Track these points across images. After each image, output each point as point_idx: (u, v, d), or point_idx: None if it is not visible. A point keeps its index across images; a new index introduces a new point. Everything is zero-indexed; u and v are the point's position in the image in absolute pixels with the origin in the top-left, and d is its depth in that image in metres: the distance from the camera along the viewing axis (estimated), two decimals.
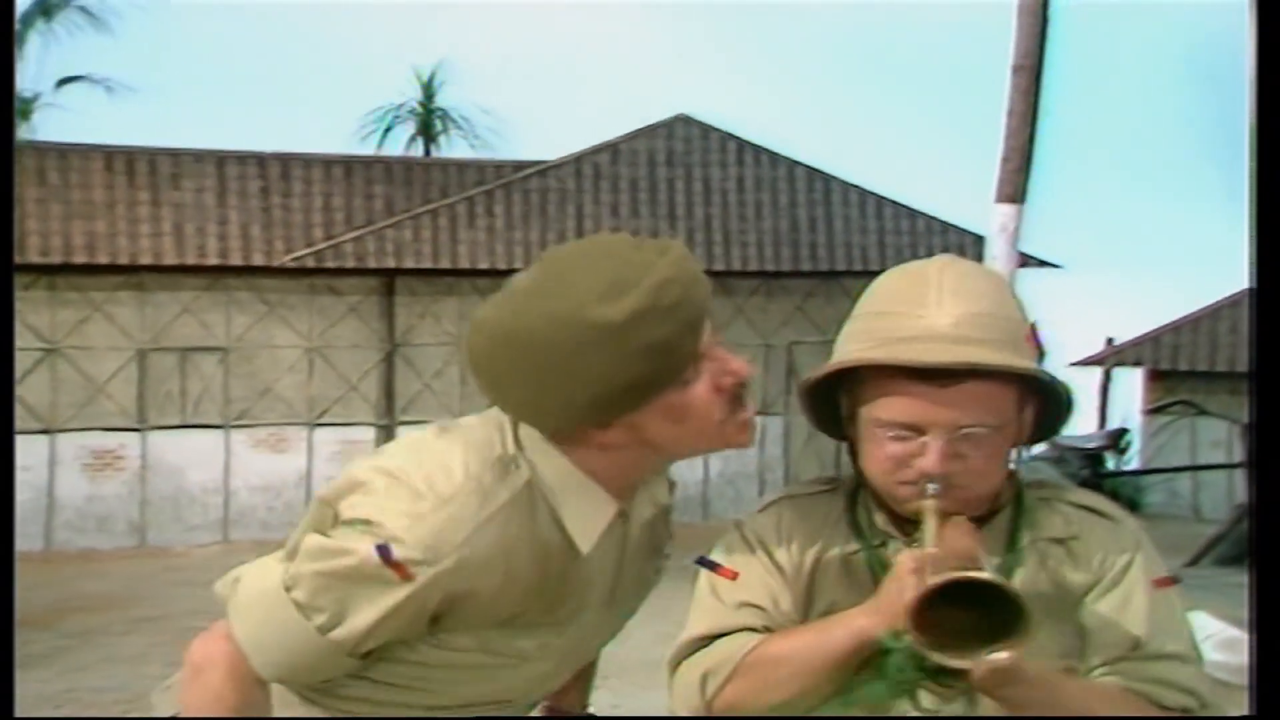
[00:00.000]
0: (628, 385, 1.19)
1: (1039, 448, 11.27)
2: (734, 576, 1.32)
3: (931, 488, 1.24)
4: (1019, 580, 1.27)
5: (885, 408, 1.25)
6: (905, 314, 1.26)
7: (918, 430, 1.24)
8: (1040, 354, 1.29)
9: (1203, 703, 1.29)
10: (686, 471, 12.24)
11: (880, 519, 1.33)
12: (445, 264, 11.46)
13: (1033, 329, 1.28)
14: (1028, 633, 1.14)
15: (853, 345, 1.29)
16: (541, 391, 1.20)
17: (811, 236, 12.52)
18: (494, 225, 11.61)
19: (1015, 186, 6.38)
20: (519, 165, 12.38)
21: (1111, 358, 14.33)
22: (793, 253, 12.40)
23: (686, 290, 1.21)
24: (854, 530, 1.33)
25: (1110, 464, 12.63)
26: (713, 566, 1.34)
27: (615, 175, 12.19)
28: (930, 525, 1.23)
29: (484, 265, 11.48)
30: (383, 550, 1.18)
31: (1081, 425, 13.48)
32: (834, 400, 1.33)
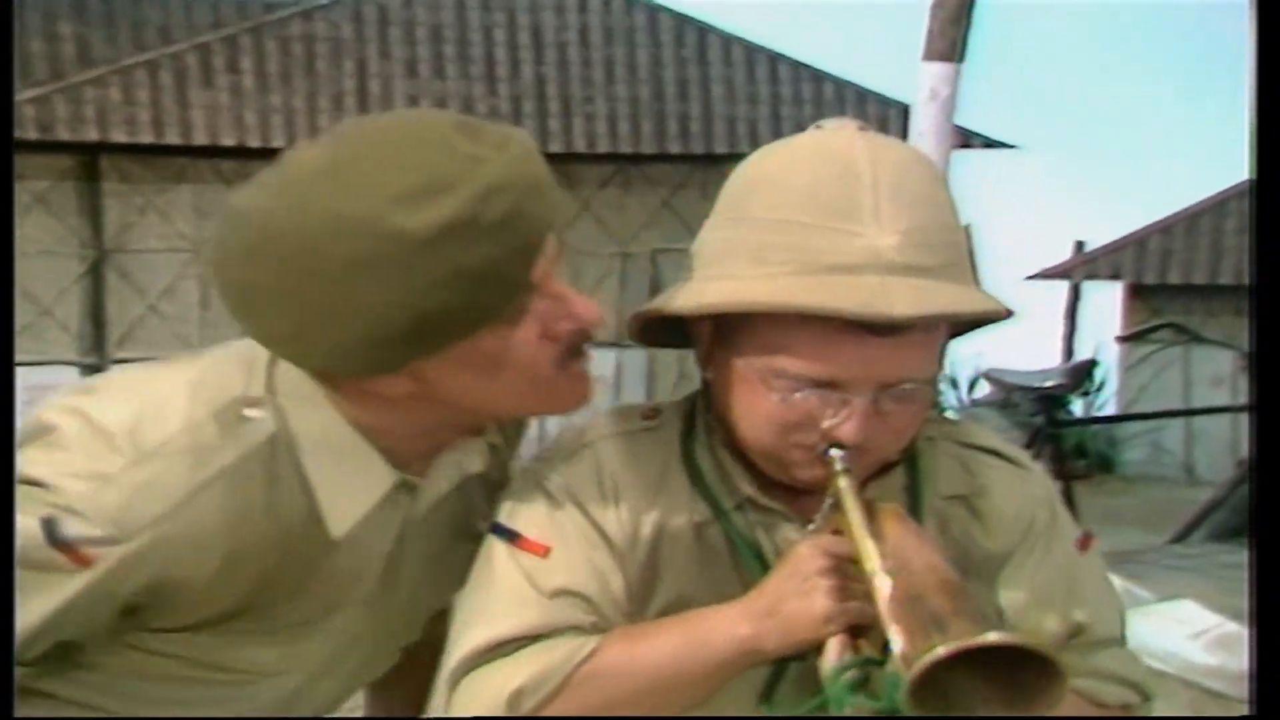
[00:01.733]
0: (426, 321, 1.19)
1: (983, 390, 11.65)
2: (545, 552, 1.31)
3: (839, 456, 1.25)
4: None
5: (797, 357, 1.24)
6: (831, 227, 1.23)
7: (836, 387, 1.24)
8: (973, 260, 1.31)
9: (1145, 695, 1.37)
10: None
11: (737, 476, 1.33)
12: (173, 139, 11.20)
13: (968, 234, 1.31)
14: (1059, 697, 1.12)
15: (751, 264, 1.25)
16: (308, 318, 1.19)
17: (681, 107, 12.55)
18: (240, 85, 11.33)
19: (950, 40, 6.41)
20: (271, 3, 12.08)
21: (1081, 268, 14.76)
22: (656, 129, 12.40)
23: (522, 202, 1.21)
24: (701, 490, 1.33)
25: (1075, 408, 13.09)
26: (513, 537, 1.32)
27: (409, 21, 11.99)
28: (852, 507, 1.23)
29: (228, 141, 11.27)
30: (48, 526, 1.15)
31: (1037, 356, 13.93)
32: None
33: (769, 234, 1.26)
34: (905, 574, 1.19)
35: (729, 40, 12.71)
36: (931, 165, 1.32)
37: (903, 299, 1.21)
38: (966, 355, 12.73)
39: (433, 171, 1.20)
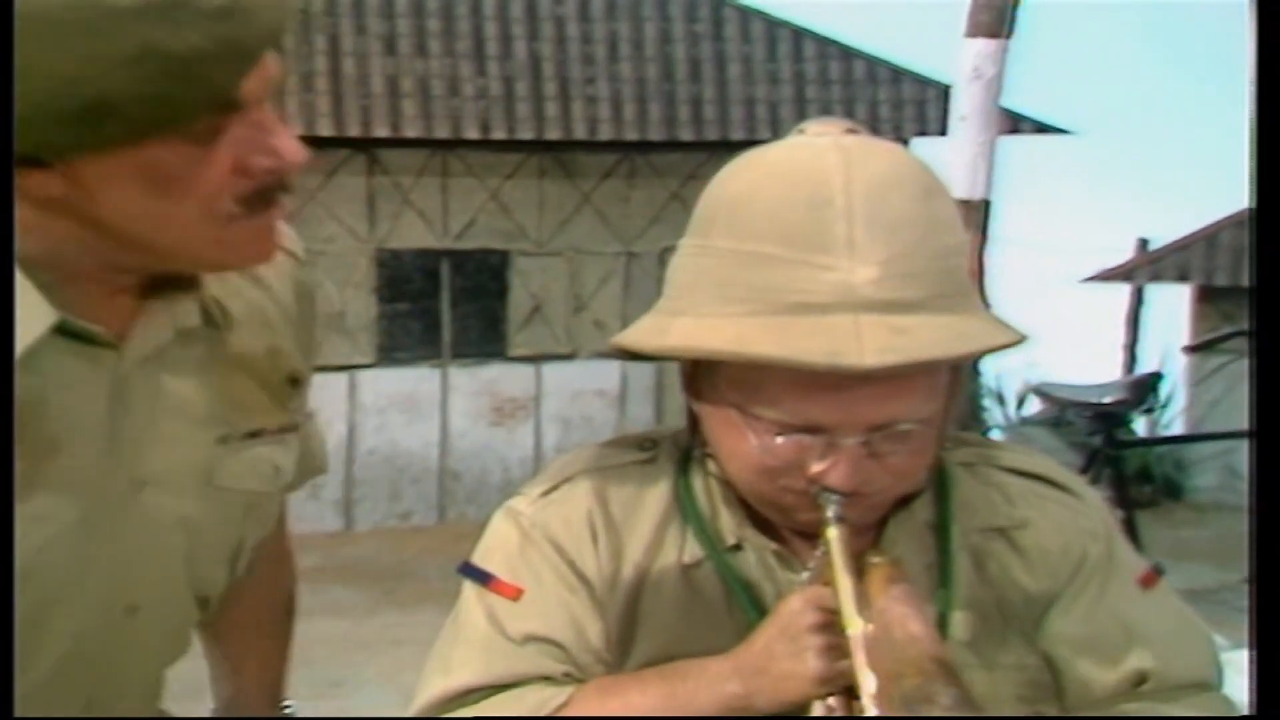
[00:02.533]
0: (101, 104, 1.15)
1: (1033, 406, 11.60)
2: (516, 595, 1.33)
3: (833, 504, 1.25)
4: (956, 599, 1.31)
5: (772, 403, 1.24)
6: (799, 260, 1.22)
7: (819, 431, 1.25)
8: (980, 278, 1.29)
9: None
10: (507, 448, 12.28)
11: (732, 516, 1.35)
12: None
13: (971, 247, 1.31)
14: None
15: (714, 301, 1.24)
16: None
17: (694, 89, 12.54)
18: None
19: (996, 12, 6.43)
20: None
21: (1144, 269, 14.75)
22: (665, 114, 12.39)
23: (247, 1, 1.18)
24: (695, 529, 1.35)
25: (1138, 427, 13.05)
26: (484, 579, 1.35)
27: None
28: (839, 564, 1.23)
29: None
30: None
31: (1097, 368, 13.88)
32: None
33: (733, 267, 1.25)
34: (885, 644, 1.19)
35: (747, 13, 12.69)
36: (924, 175, 1.28)
37: (877, 343, 1.19)
38: (1015, 367, 12.73)
39: None
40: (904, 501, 1.35)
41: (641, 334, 1.29)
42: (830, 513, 1.25)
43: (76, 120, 1.16)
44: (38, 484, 1.30)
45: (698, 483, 1.37)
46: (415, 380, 11.93)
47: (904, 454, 1.26)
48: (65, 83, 1.14)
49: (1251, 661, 1.32)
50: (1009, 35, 6.44)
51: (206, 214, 1.25)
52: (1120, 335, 14.52)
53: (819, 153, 1.26)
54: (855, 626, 1.21)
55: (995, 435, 11.30)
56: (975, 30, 6.46)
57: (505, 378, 12.33)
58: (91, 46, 1.14)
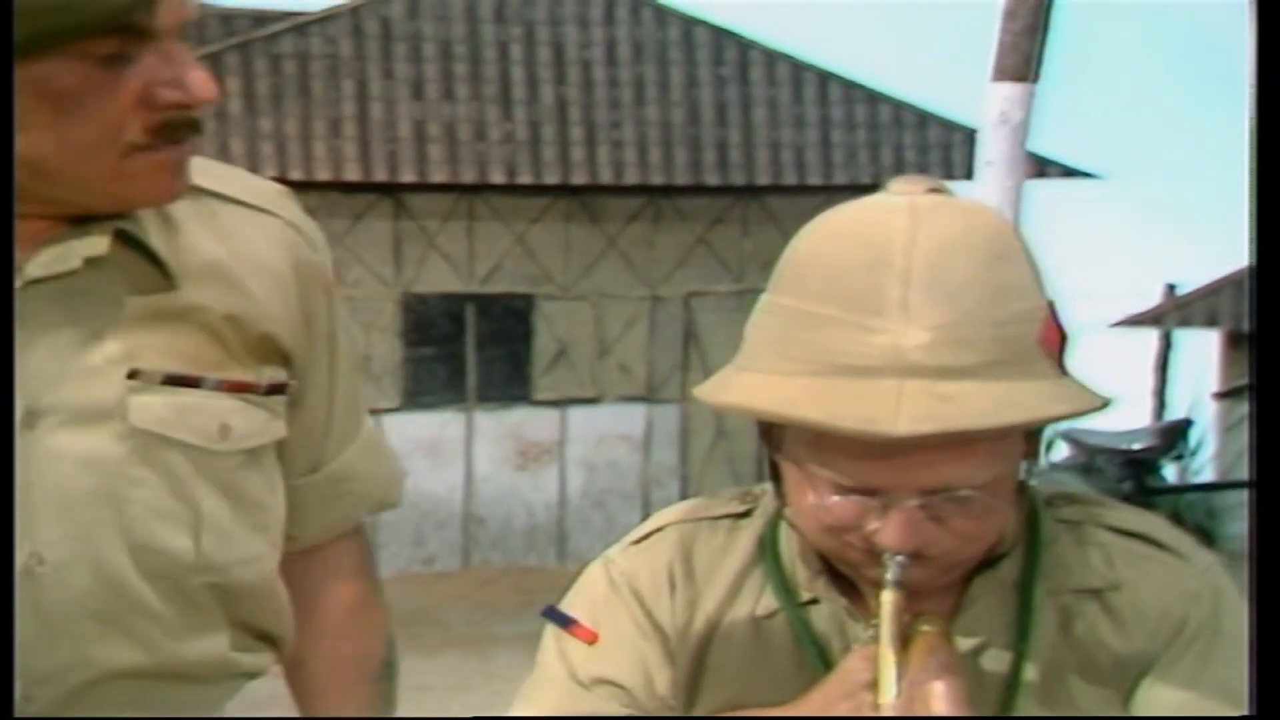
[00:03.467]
0: None
1: (1061, 452, 11.55)
2: (593, 639, 1.36)
3: (895, 564, 1.25)
4: (1031, 659, 1.30)
5: (825, 464, 1.25)
6: (853, 322, 1.23)
7: (873, 493, 1.25)
8: (1062, 343, 1.29)
9: None
10: (532, 493, 12.27)
11: (807, 569, 1.36)
12: None
13: (1051, 310, 1.28)
14: None
15: (774, 358, 1.26)
16: None
17: (720, 133, 12.56)
18: (226, 110, 11.39)
19: (1023, 56, 6.41)
20: (261, 16, 12.17)
21: (1172, 313, 14.69)
22: (692, 157, 12.41)
23: None
24: (773, 580, 1.36)
25: (1168, 474, 12.98)
26: (565, 622, 1.38)
27: (416, 35, 12.05)
28: (884, 630, 1.24)
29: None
30: None
31: (1126, 415, 13.83)
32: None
33: (794, 327, 1.26)
34: (908, 704, 1.22)
35: (773, 56, 12.72)
36: (999, 239, 1.28)
37: (916, 410, 1.19)
38: None
39: None
40: (991, 560, 1.34)
41: (710, 385, 1.31)
42: (890, 575, 1.25)
43: None
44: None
45: (782, 537, 1.38)
46: (440, 424, 11.94)
47: (968, 519, 1.26)
48: None
49: (1252, 660, 1.30)
50: (1036, 79, 6.45)
51: (107, 141, 1.25)
52: (1149, 381, 14.45)
53: (888, 213, 1.27)
54: (886, 696, 1.22)
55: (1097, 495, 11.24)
56: (1002, 74, 6.47)
57: (530, 422, 12.33)
58: None
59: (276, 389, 1.43)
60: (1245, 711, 1.29)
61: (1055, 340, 1.28)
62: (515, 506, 12.23)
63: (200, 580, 1.39)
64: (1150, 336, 14.67)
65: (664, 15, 12.50)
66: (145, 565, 1.36)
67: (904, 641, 1.24)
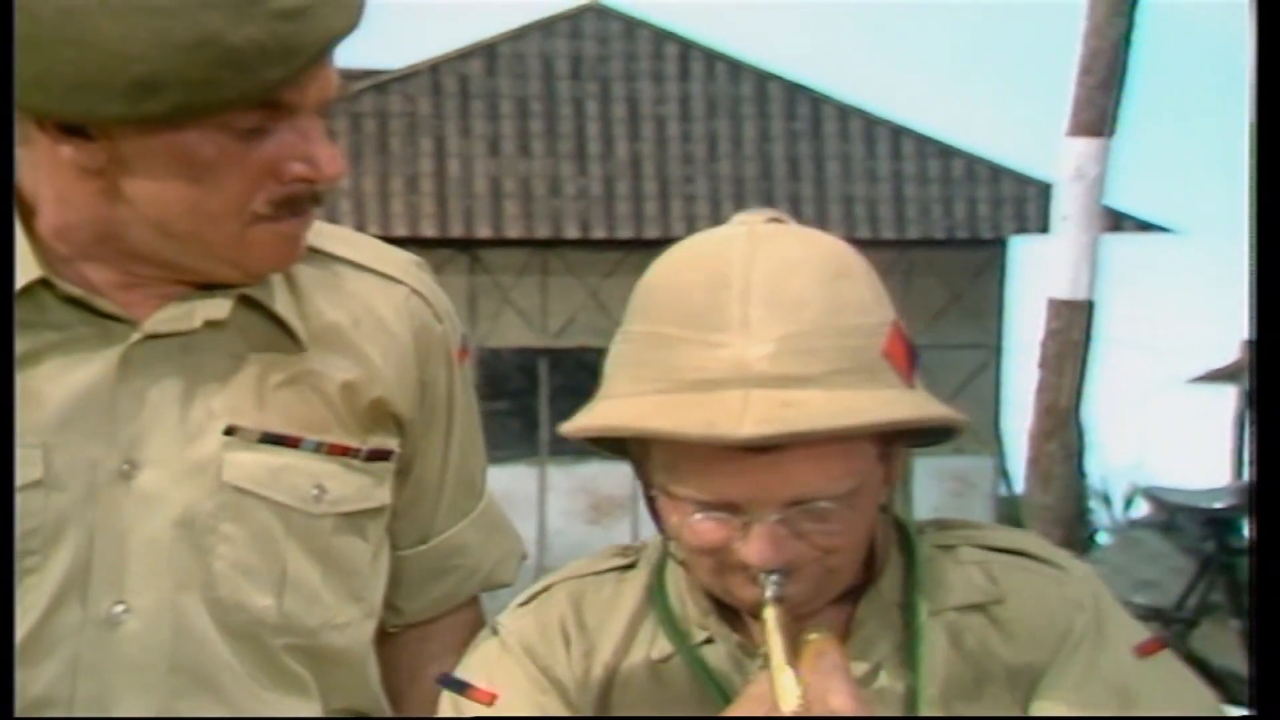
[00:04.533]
0: (147, 79, 1.21)
1: (1141, 509, 11.41)
2: (491, 699, 1.37)
3: (771, 583, 1.27)
4: (926, 676, 1.33)
5: (683, 481, 1.29)
6: (697, 339, 1.27)
7: (734, 509, 1.28)
8: (911, 359, 1.32)
9: None
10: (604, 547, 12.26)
11: (697, 608, 1.37)
12: None
13: (897, 327, 1.31)
14: None
15: (629, 381, 1.31)
16: (36, 39, 1.23)
17: (793, 186, 12.57)
18: None
19: (1099, 111, 6.33)
20: (343, 75, 12.33)
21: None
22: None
23: (318, 3, 1.24)
24: (664, 624, 1.38)
25: (1248, 532, 12.79)
26: (460, 687, 1.39)
27: (493, 92, 12.17)
28: (772, 642, 1.26)
29: None
30: None
31: (1204, 473, 13.64)
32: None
33: (644, 349, 1.31)
34: (809, 709, 1.23)
35: (846, 110, 12.73)
36: (837, 260, 1.32)
37: (759, 415, 1.23)
38: (1121, 468, 12.51)
39: None
40: (871, 581, 1.37)
41: (571, 422, 1.35)
42: (769, 592, 1.28)
43: (125, 95, 1.21)
44: (24, 435, 1.30)
45: (670, 580, 1.40)
46: (512, 479, 11.94)
47: (827, 532, 1.29)
48: (120, 58, 1.20)
49: (1252, 661, 1.34)
50: (1112, 134, 6.38)
51: (233, 210, 1.28)
52: (1227, 439, 14.29)
53: (728, 239, 1.32)
54: (789, 704, 1.23)
55: (1102, 538, 11.08)
56: (1077, 129, 6.39)
57: (603, 476, 12.31)
58: (152, 26, 1.20)
59: (380, 455, 1.42)
60: (1136, 711, 1.34)
61: (903, 355, 1.31)
62: None
63: (282, 641, 1.38)
64: (1229, 392, 14.52)
65: (738, 70, 12.55)
66: (227, 622, 1.36)
67: (794, 653, 1.26)
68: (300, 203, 1.30)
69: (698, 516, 1.28)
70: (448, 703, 1.39)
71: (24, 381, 1.31)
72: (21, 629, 1.30)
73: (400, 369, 1.43)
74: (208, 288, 1.35)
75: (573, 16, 12.36)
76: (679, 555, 1.35)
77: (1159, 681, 1.36)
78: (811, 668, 1.26)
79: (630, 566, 1.41)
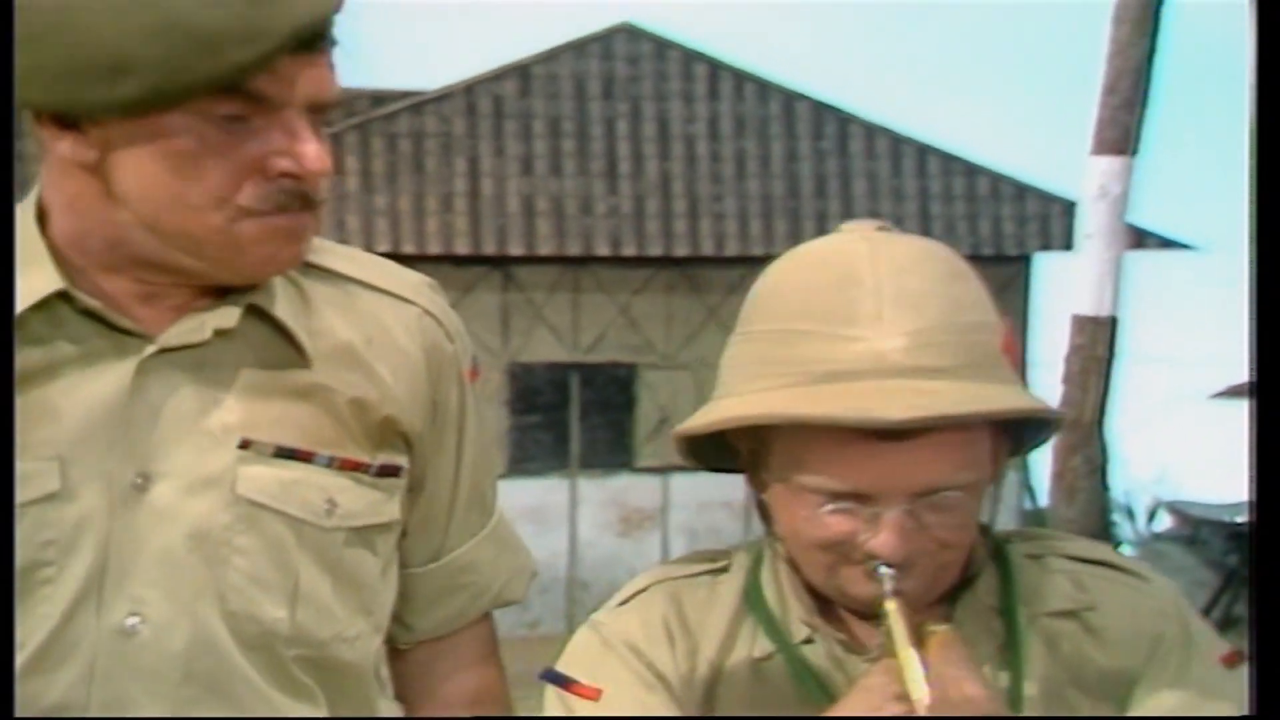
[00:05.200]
0: (118, 60, 1.23)
1: (1164, 522, 11.30)
2: (596, 695, 1.37)
3: (888, 575, 1.29)
4: (1030, 679, 1.34)
5: (816, 471, 1.30)
6: (829, 334, 1.29)
7: (865, 499, 1.29)
8: (1021, 359, 1.31)
9: None
10: (634, 558, 12.22)
11: (801, 606, 1.38)
12: None
13: (1008, 329, 1.35)
14: None
15: (754, 379, 1.32)
16: (25, 35, 1.26)
17: (820, 204, 12.55)
18: (344, 187, 11.56)
19: (1122, 130, 6.33)
20: (380, 97, 12.35)
21: None
22: (791, 228, 12.37)
23: None
24: (764, 624, 1.38)
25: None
26: (564, 682, 1.39)
27: (526, 112, 12.18)
28: (899, 634, 1.27)
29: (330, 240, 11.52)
30: None
31: (1226, 487, 13.57)
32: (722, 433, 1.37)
33: (771, 346, 1.32)
34: (944, 708, 1.24)
35: (872, 129, 12.70)
36: (948, 261, 1.36)
37: (903, 402, 1.25)
38: (1143, 481, 12.47)
39: None
40: (966, 585, 1.38)
41: (691, 420, 1.36)
42: (886, 586, 1.29)
43: (101, 79, 1.24)
44: (28, 446, 1.31)
45: (767, 582, 1.41)
46: (544, 491, 11.96)
47: (947, 525, 1.31)
48: (95, 44, 1.23)
49: (1252, 661, 1.36)
50: (1135, 152, 6.38)
51: (214, 202, 1.28)
52: (1247, 452, 14.18)
53: (848, 242, 1.35)
54: (919, 693, 1.25)
55: (1126, 550, 11.06)
56: (1101, 148, 6.40)
57: (633, 489, 12.31)
58: (125, 12, 1.23)
59: (390, 471, 1.42)
60: (1223, 705, 1.35)
61: (1015, 354, 1.35)
62: (618, 572, 12.18)
63: (294, 652, 1.37)
64: (1246, 408, 14.40)
65: (766, 90, 12.54)
66: (241, 632, 1.35)
67: (917, 644, 1.28)
68: (288, 199, 1.29)
69: (826, 508, 1.30)
70: (554, 698, 1.39)
71: (40, 395, 1.31)
72: (38, 637, 1.30)
73: (412, 388, 1.43)
74: (221, 294, 1.35)
75: (604, 38, 12.36)
76: (793, 552, 1.36)
77: (1241, 691, 1.37)
78: (939, 659, 1.27)
79: (723, 570, 1.42)
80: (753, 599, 1.40)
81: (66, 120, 1.28)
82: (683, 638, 1.39)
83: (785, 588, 1.39)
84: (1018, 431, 1.36)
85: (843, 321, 1.29)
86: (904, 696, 1.25)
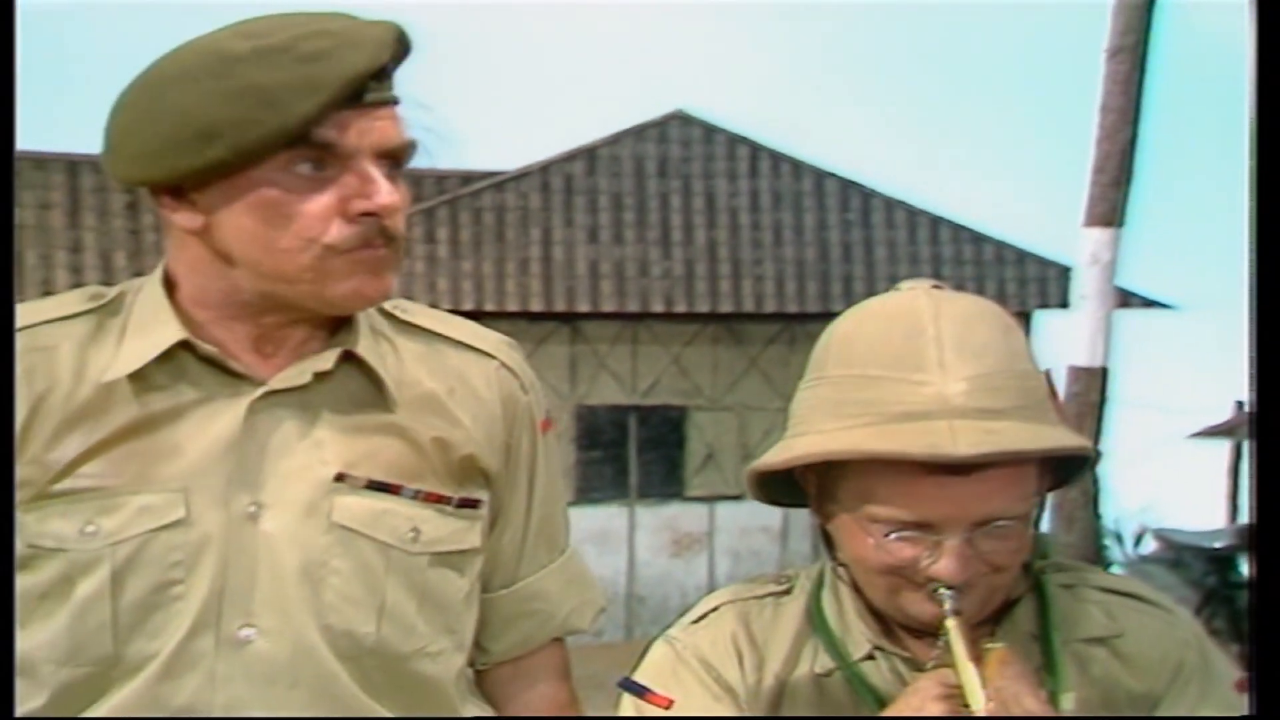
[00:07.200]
0: (211, 130, 1.24)
1: (1149, 546, 11.19)
2: (669, 705, 1.36)
3: (950, 597, 1.27)
4: (1066, 699, 1.30)
5: (885, 502, 1.28)
6: (899, 379, 1.28)
7: (928, 528, 1.27)
8: (1060, 407, 1.33)
9: None
10: (685, 576, 12.17)
11: (862, 626, 1.36)
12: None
13: (1049, 377, 1.34)
14: None
15: (831, 418, 1.30)
16: (130, 123, 1.29)
17: (846, 268, 12.51)
18: (435, 254, 11.60)
19: (1111, 204, 6.31)
20: (468, 176, 12.42)
21: (1242, 427, 14.27)
22: (821, 289, 12.37)
23: (339, 47, 1.25)
24: (825, 643, 1.36)
25: (1245, 569, 12.50)
26: (640, 691, 1.37)
27: (593, 189, 12.21)
28: (960, 649, 1.25)
29: (423, 303, 11.54)
30: None
31: (1204, 516, 13.38)
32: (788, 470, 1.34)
33: (845, 389, 1.30)
34: (999, 708, 1.22)
35: (892, 203, 12.67)
36: (1000, 316, 1.35)
37: (969, 439, 1.23)
38: (1131, 510, 12.30)
39: (284, 19, 1.28)
40: (1007, 611, 1.36)
41: (769, 456, 1.34)
42: (947, 606, 1.28)
43: (190, 147, 1.25)
44: (151, 479, 1.31)
45: (828, 603, 1.39)
46: (607, 517, 11.93)
47: (1003, 552, 1.29)
48: (185, 117, 1.25)
49: (1252, 661, 1.33)
50: (1122, 224, 6.34)
51: (304, 244, 1.28)
52: (1224, 486, 14.02)
53: (910, 298, 1.34)
54: (979, 704, 1.22)
55: (1116, 570, 10.93)
56: (1092, 220, 6.37)
57: (683, 516, 12.26)
58: (207, 85, 1.25)
59: (469, 504, 1.41)
60: None
61: (1058, 400, 1.34)
62: (671, 588, 12.13)
63: (380, 663, 1.36)
64: (1222, 447, 14.27)
65: (799, 169, 12.53)
66: (336, 644, 1.34)
67: (976, 659, 1.25)
68: (370, 235, 1.29)
69: (892, 536, 1.27)
70: (629, 705, 1.38)
71: (167, 434, 1.32)
72: (169, 646, 1.30)
73: (489, 431, 1.42)
74: (322, 347, 1.35)
75: (660, 124, 12.39)
76: (858, 577, 1.34)
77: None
78: (997, 674, 1.25)
79: (786, 592, 1.40)
80: (815, 619, 1.37)
81: (178, 194, 1.29)
82: (750, 653, 1.37)
83: (848, 609, 1.36)
84: (1056, 467, 1.34)
85: (911, 368, 1.27)
86: (948, 696, 1.24)
